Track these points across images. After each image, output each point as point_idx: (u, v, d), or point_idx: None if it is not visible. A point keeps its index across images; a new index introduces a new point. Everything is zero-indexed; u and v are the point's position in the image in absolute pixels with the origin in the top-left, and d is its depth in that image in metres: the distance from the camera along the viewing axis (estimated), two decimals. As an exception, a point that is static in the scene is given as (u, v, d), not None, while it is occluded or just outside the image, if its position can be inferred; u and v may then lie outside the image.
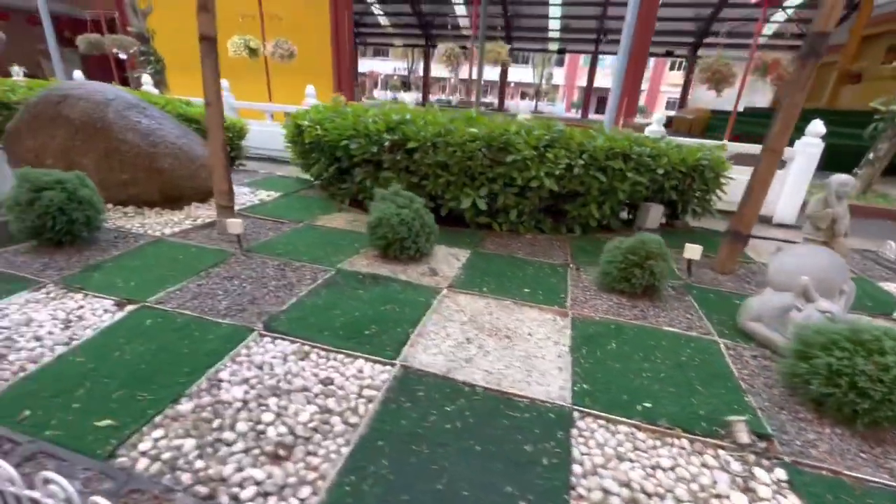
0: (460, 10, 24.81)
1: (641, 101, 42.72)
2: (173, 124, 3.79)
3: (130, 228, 3.18)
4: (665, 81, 40.14)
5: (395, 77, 39.03)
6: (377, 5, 24.27)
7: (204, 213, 3.64)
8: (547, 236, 3.54)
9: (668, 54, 26.47)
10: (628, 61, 6.52)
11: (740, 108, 21.50)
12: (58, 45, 10.74)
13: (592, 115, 31.03)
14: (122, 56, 8.15)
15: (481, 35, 7.19)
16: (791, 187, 4.84)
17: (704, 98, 26.93)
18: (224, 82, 6.67)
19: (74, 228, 2.69)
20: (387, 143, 3.28)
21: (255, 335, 1.99)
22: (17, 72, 7.82)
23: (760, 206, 2.89)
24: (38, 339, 1.91)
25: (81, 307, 2.17)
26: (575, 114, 36.31)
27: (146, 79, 7.04)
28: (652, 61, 39.08)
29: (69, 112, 3.30)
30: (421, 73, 30.79)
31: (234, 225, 2.83)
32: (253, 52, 6.86)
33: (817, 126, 4.64)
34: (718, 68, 4.89)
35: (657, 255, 2.37)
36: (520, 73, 35.17)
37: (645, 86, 42.07)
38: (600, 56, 28.13)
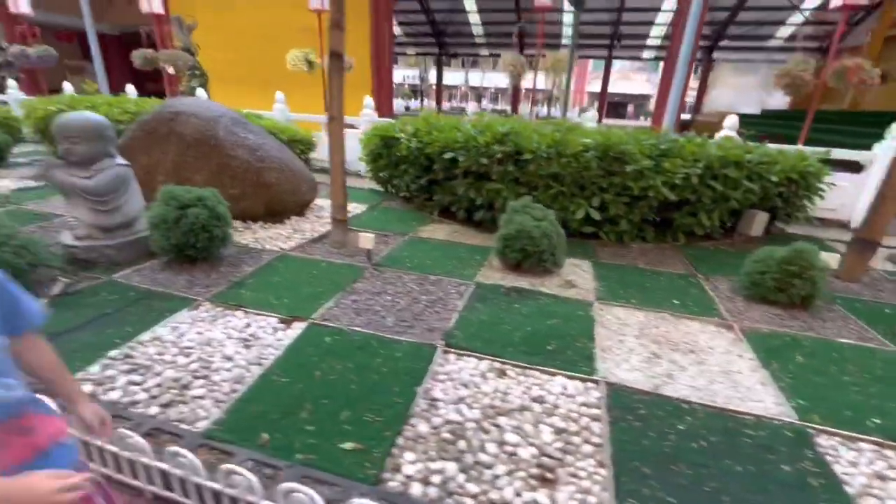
0: (474, 18, 24.99)
1: (650, 107, 42.81)
2: (272, 139, 3.81)
3: (247, 244, 3.19)
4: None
5: (406, 85, 39.28)
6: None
7: (307, 226, 3.65)
8: (652, 245, 3.52)
9: (683, 58, 26.46)
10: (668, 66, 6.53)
11: (757, 111, 21.26)
12: (88, 61, 10.86)
13: (606, 120, 31.02)
14: (171, 71, 8.24)
15: (572, 42, 7.19)
16: (872, 191, 4.79)
17: (716, 102, 26.83)
18: (280, 94, 6.75)
19: (213, 245, 2.70)
20: (498, 155, 3.29)
21: (440, 352, 1.98)
22: (68, 88, 7.93)
23: (892, 214, 2.86)
24: (228, 358, 1.90)
25: (248, 325, 2.17)
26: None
27: (201, 93, 7.11)
28: (659, 66, 39.11)
29: (182, 129, 3.32)
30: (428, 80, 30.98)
31: (366, 240, 2.83)
32: (310, 64, 6.92)
33: (897, 130, 4.60)
34: (798, 73, 4.88)
35: (817, 266, 2.34)
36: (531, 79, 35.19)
37: (653, 91, 42.17)
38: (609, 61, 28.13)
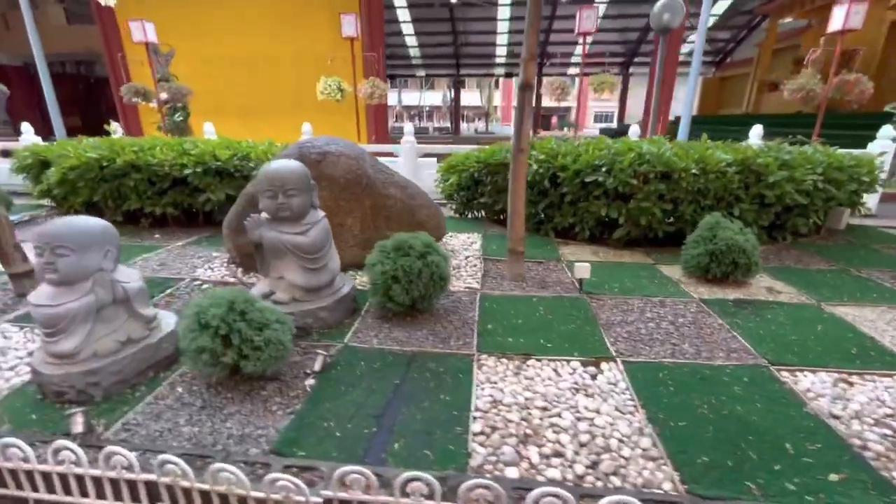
0: (411, 40, 25.48)
1: (572, 117, 46.31)
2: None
3: (428, 287, 2.97)
4: (591, 97, 43.92)
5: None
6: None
7: (455, 262, 3.48)
8: (769, 246, 3.85)
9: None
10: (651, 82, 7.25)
11: (671, 118, 23.88)
12: None
13: (544, 133, 33.08)
14: (153, 104, 7.35)
15: (659, 65, 7.50)
16: (874, 183, 5.67)
17: (634, 111, 29.78)
18: (307, 126, 6.37)
19: (441, 293, 2.50)
20: (652, 175, 3.43)
21: (774, 371, 2.02)
22: (27, 129, 6.78)
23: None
24: (596, 411, 1.78)
25: (557, 372, 2.04)
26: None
27: (209, 128, 6.46)
28: (577, 80, 42.64)
29: (332, 171, 3.04)
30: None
31: (583, 269, 2.79)
32: (342, 92, 6.60)
33: (888, 130, 5.53)
34: (812, 87, 5.67)
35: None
36: (467, 97, 36.66)
37: (574, 102, 45.73)
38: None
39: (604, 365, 2.10)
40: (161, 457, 1.38)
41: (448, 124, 40.34)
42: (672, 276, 3.15)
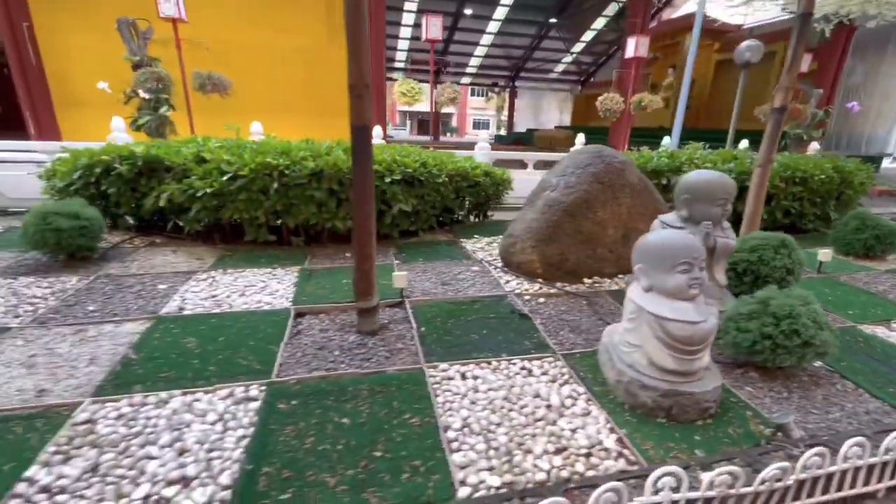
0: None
1: (454, 123, 48.77)
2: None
3: (713, 280, 3.37)
4: (469, 106, 46.94)
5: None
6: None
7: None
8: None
9: (494, 85, 31.83)
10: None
11: (552, 126, 27.15)
12: None
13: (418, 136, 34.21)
14: (145, 96, 5.74)
15: (740, 94, 8.19)
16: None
17: (520, 121, 33.06)
18: (378, 130, 5.94)
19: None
20: (794, 180, 4.39)
21: None
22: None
23: None
24: None
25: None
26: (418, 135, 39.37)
27: (257, 127, 5.46)
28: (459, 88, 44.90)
29: (631, 178, 3.21)
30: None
31: (825, 254, 3.53)
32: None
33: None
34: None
35: None
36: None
37: (456, 110, 48.25)
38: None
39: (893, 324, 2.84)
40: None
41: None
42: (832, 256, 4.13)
